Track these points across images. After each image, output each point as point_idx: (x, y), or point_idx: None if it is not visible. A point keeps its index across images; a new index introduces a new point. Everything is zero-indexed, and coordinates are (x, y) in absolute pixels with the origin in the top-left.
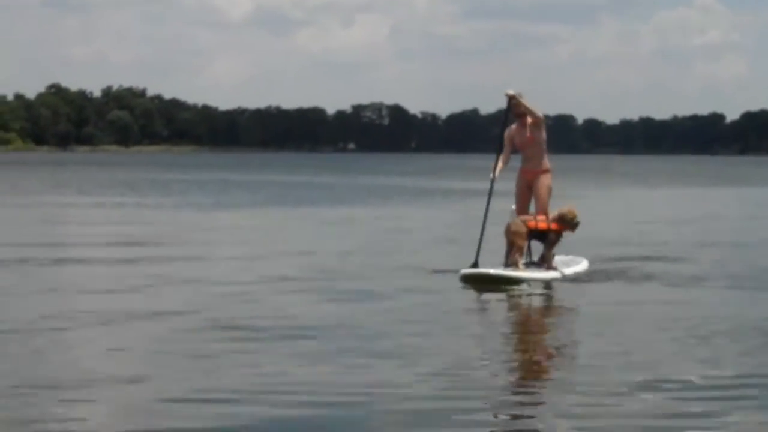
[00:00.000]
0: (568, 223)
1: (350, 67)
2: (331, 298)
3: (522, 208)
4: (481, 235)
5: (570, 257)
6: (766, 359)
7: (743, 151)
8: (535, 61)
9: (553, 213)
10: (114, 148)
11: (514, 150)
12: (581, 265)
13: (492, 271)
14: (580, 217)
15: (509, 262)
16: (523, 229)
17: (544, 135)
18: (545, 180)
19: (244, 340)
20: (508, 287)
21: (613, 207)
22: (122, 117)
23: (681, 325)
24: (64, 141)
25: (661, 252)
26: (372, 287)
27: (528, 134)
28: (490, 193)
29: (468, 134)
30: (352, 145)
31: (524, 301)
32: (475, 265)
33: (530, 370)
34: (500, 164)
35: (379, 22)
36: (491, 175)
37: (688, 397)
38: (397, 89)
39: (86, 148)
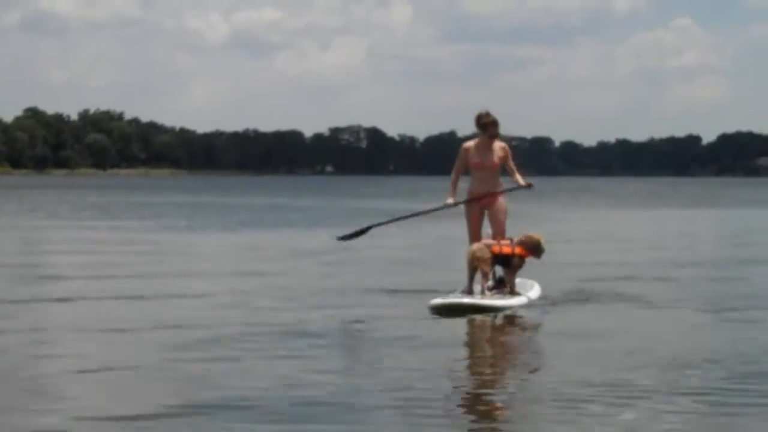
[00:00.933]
0: (532, 249)
1: (328, 90)
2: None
3: (475, 234)
4: (395, 221)
5: (519, 279)
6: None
7: (720, 172)
8: (513, 83)
9: (518, 237)
10: (91, 171)
11: (466, 169)
12: (536, 288)
13: (465, 300)
14: (547, 245)
15: (469, 289)
16: (488, 255)
17: (511, 164)
18: (502, 203)
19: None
20: (477, 315)
21: (588, 228)
22: (99, 140)
23: (648, 349)
24: (41, 164)
25: (634, 273)
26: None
27: (495, 159)
28: (439, 209)
29: (445, 157)
30: (330, 168)
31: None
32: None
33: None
34: (452, 187)
35: (356, 45)
36: (450, 200)
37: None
38: (374, 112)
39: (63, 171)
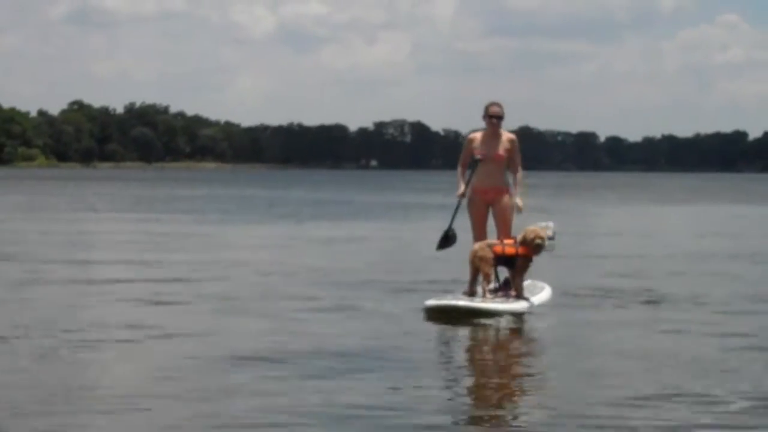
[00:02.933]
0: (528, 245)
1: (373, 84)
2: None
3: (480, 232)
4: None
5: (529, 282)
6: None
7: (767, 168)
8: (558, 78)
9: (521, 235)
10: (137, 164)
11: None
12: (545, 292)
13: (461, 302)
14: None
15: (471, 290)
16: (490, 255)
17: (517, 161)
18: (508, 199)
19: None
20: (476, 319)
21: (627, 223)
22: (145, 133)
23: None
24: (87, 157)
25: (672, 269)
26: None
27: (500, 151)
28: (457, 210)
29: None
30: (374, 162)
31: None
32: (447, 236)
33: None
34: (460, 178)
35: (401, 39)
36: (460, 188)
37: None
38: (419, 106)
39: (109, 164)
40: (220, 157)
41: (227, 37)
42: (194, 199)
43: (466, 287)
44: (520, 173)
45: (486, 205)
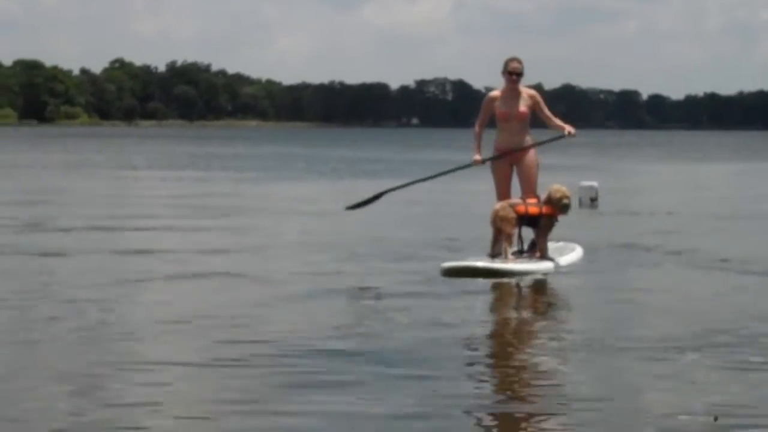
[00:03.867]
0: (555, 204)
1: (414, 42)
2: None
3: (504, 192)
4: (416, 182)
5: (561, 244)
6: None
7: None
8: (600, 36)
9: (545, 194)
10: (178, 122)
11: (491, 121)
12: (575, 253)
13: (479, 263)
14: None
15: (494, 252)
16: (512, 215)
17: (546, 112)
18: (532, 156)
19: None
20: (496, 279)
21: (672, 181)
22: (187, 92)
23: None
24: (129, 115)
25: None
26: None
27: (522, 108)
28: (465, 167)
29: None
30: (415, 121)
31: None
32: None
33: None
34: (477, 141)
35: None
36: (476, 156)
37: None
38: (460, 64)
39: (151, 122)
40: (261, 115)
41: None
42: (240, 157)
43: (489, 249)
44: (555, 120)
45: (510, 165)
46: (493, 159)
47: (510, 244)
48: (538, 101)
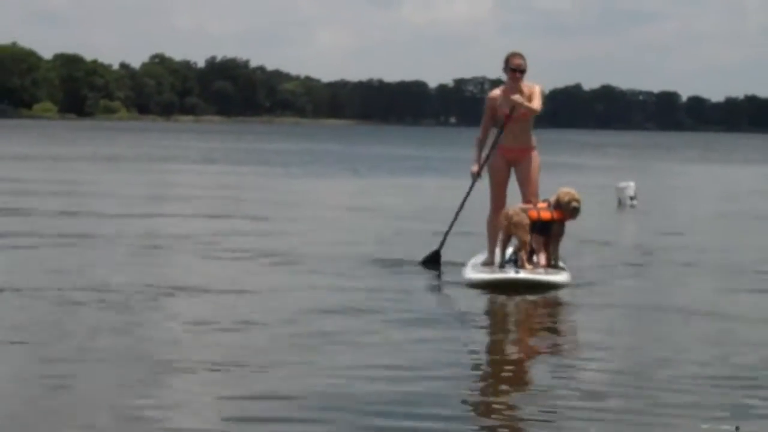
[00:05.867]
0: (564, 208)
1: (453, 41)
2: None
3: (500, 196)
4: (451, 226)
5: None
6: None
7: None
8: (639, 37)
9: (554, 197)
10: (216, 118)
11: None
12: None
13: (522, 275)
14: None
15: (491, 260)
16: (526, 221)
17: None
18: (536, 158)
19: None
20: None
21: (707, 183)
22: (225, 87)
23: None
24: (167, 110)
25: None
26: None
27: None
28: (471, 188)
29: (572, 109)
30: (453, 119)
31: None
32: (435, 254)
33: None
34: (476, 150)
35: None
36: (473, 168)
37: None
38: (499, 63)
39: (189, 117)
40: (299, 112)
41: None
42: (280, 153)
43: (485, 257)
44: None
45: (508, 165)
46: (485, 164)
47: (527, 251)
48: (535, 93)
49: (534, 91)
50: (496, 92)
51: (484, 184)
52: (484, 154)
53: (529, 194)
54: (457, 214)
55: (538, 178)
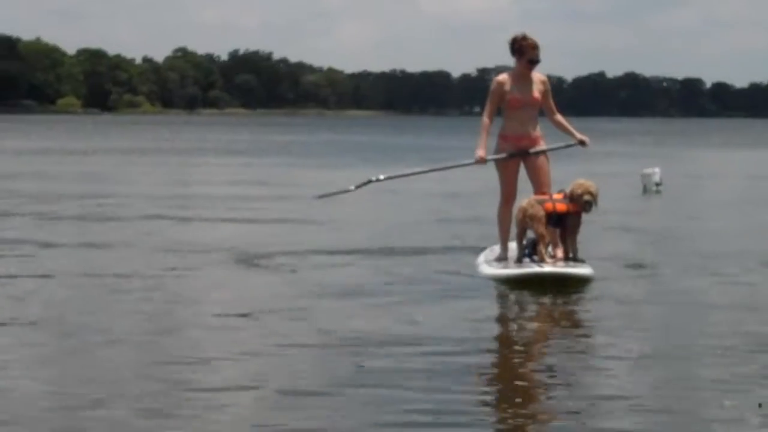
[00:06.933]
0: (577, 201)
1: (476, 31)
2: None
3: (511, 190)
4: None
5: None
6: None
7: None
8: (663, 24)
9: (570, 188)
10: (240, 111)
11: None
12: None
13: (547, 269)
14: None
15: (519, 255)
16: (542, 213)
17: (551, 102)
18: (544, 147)
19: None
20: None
21: (732, 169)
22: (248, 80)
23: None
24: (191, 104)
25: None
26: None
27: (536, 93)
28: (464, 165)
29: (595, 98)
30: (477, 109)
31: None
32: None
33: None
34: (484, 135)
35: None
36: (479, 152)
37: None
38: None
39: (213, 110)
40: (323, 103)
41: None
42: (310, 144)
43: (498, 252)
44: (560, 115)
45: (517, 159)
46: (499, 160)
47: (546, 245)
48: (548, 89)
49: (547, 88)
50: (504, 77)
51: (490, 172)
52: (491, 143)
53: (542, 185)
54: (430, 171)
55: (549, 169)
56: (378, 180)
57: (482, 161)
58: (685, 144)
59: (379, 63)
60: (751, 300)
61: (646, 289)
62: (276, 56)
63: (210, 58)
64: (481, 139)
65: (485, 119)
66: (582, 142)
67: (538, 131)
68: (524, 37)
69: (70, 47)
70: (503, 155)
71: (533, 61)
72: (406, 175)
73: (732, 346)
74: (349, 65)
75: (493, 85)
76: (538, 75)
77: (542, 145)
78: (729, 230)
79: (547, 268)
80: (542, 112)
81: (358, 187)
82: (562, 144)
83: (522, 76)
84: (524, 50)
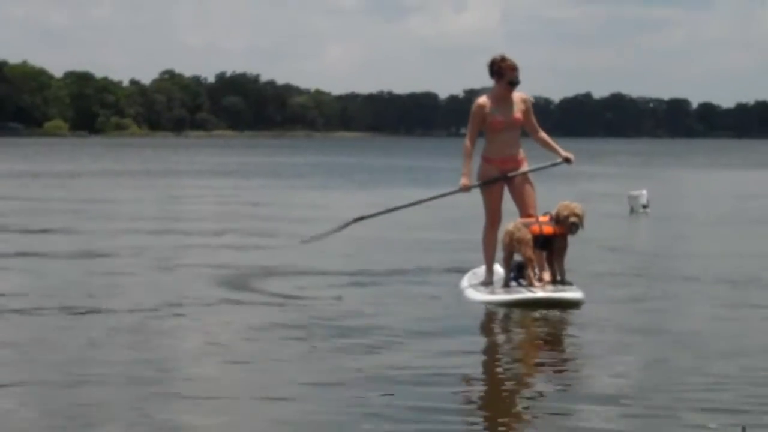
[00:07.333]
0: (563, 223)
1: (462, 52)
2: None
3: (496, 213)
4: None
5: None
6: None
7: None
8: (649, 45)
9: (556, 211)
10: (228, 133)
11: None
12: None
13: (539, 294)
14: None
15: (506, 280)
16: (529, 236)
17: (534, 121)
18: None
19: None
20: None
21: (719, 189)
22: (236, 103)
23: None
24: (178, 126)
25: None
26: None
27: (517, 114)
28: (450, 194)
29: (581, 118)
30: (463, 130)
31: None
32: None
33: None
34: (468, 162)
35: (491, 7)
36: (463, 180)
37: None
38: None
39: (200, 133)
40: (310, 125)
41: (318, 6)
42: (298, 166)
43: (482, 275)
44: (543, 133)
45: (502, 182)
46: (483, 185)
47: (533, 268)
48: (530, 107)
49: (528, 106)
50: (484, 99)
51: (475, 197)
52: (473, 166)
53: (527, 207)
54: (413, 204)
55: (534, 191)
56: (362, 218)
57: (466, 189)
58: (672, 164)
59: (366, 84)
60: (738, 324)
61: (631, 313)
62: (263, 78)
63: (197, 80)
64: (465, 167)
65: (467, 143)
66: (567, 160)
67: (521, 153)
68: (503, 59)
69: (57, 70)
70: (488, 181)
71: (513, 83)
72: (390, 210)
73: (718, 371)
74: (337, 87)
75: (473, 108)
76: (518, 94)
77: (526, 167)
78: (716, 252)
79: (539, 293)
80: (524, 133)
81: (342, 227)
82: (548, 163)
83: (502, 98)
84: (503, 72)
